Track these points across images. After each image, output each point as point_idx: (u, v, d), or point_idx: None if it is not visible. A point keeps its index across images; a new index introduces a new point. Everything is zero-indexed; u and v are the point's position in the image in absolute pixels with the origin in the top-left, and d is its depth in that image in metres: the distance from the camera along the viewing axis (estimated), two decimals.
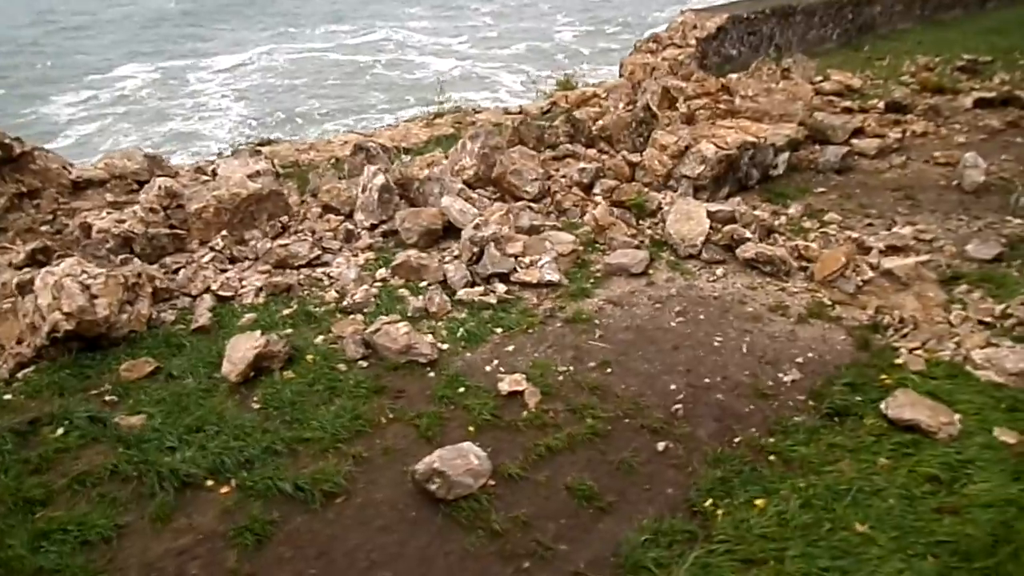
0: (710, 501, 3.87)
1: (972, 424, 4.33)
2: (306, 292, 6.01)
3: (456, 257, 6.28)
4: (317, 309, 5.76)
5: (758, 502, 3.82)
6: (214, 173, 7.52)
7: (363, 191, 7.11)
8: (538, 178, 7.72)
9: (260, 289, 5.90)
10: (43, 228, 6.71)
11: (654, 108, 9.21)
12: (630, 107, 9.32)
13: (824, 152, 8.75)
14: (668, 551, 3.54)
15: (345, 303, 5.81)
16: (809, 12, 15.29)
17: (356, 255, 6.58)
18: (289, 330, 5.45)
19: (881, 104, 11.07)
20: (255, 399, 4.66)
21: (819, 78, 12.46)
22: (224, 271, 6.20)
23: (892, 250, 6.19)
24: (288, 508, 3.80)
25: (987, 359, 4.77)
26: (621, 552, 3.55)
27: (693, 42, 12.99)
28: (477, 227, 6.20)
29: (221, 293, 5.85)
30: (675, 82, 10.81)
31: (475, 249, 6.11)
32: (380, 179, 7.07)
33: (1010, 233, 6.88)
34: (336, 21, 38.78)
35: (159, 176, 7.29)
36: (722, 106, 10.09)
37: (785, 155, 8.45)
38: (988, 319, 5.39)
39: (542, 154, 8.47)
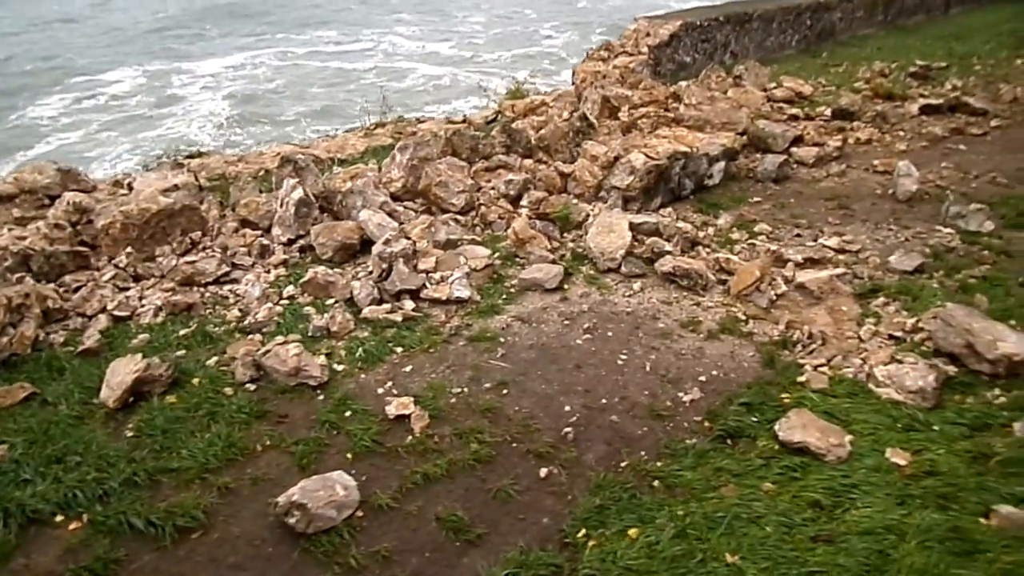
0: (583, 532, 3.72)
1: (865, 445, 4.21)
2: (208, 311, 5.83)
3: (369, 273, 6.11)
4: (216, 329, 5.58)
5: (631, 532, 3.68)
6: (130, 187, 7.33)
7: (281, 205, 6.94)
8: (465, 190, 7.58)
9: (160, 308, 5.72)
10: None
11: (591, 118, 9.11)
12: (567, 117, 9.19)
13: (762, 161, 8.66)
14: None
15: (247, 322, 5.64)
16: (766, 19, 15.26)
17: (268, 271, 6.41)
18: (182, 352, 5.27)
19: (828, 111, 11.01)
20: (129, 426, 4.48)
21: (772, 85, 12.40)
22: (125, 290, 6.01)
23: (810, 263, 6.08)
24: (137, 545, 3.62)
25: (889, 376, 4.65)
26: None
27: (645, 49, 12.90)
28: (387, 242, 6.04)
29: (117, 313, 5.66)
30: (621, 90, 10.74)
31: (384, 265, 5.95)
32: (298, 193, 6.90)
33: (936, 243, 6.79)
34: (322, 27, 38.31)
35: (71, 191, 7.09)
36: (670, 114, 10.02)
37: (721, 164, 8.35)
38: (899, 333, 5.28)
39: (474, 165, 8.33)
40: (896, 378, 4.61)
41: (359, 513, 3.83)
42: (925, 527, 3.57)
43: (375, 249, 6.03)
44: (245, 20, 40.29)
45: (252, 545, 3.65)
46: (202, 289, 6.10)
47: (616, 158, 7.66)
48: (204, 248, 6.47)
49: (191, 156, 8.98)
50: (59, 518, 3.76)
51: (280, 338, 5.25)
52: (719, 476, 4.06)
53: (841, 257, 6.60)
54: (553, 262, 6.22)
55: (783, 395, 4.70)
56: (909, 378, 4.57)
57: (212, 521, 3.78)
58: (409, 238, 6.65)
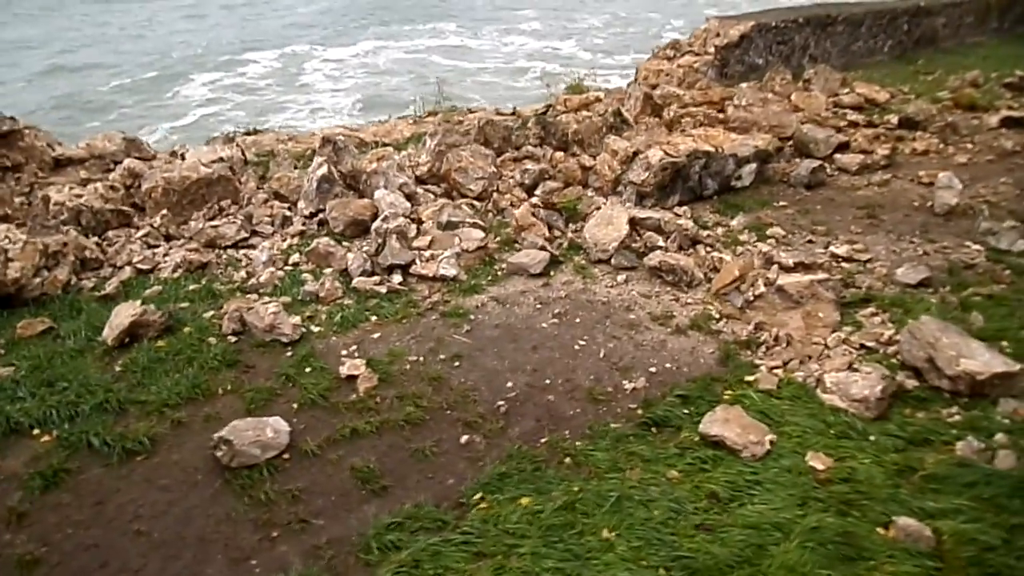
0: (480, 495, 3.92)
1: (787, 446, 4.17)
2: (220, 271, 6.38)
3: (367, 247, 6.48)
4: (222, 287, 6.12)
5: (523, 500, 3.84)
6: (183, 157, 8.05)
7: (308, 181, 7.44)
8: (485, 177, 7.84)
9: (178, 265, 6.31)
10: (17, 200, 7.38)
11: (625, 113, 9.14)
12: (603, 112, 9.26)
13: (798, 166, 8.42)
14: (409, 536, 3.63)
15: (250, 283, 6.14)
16: (853, 22, 14.59)
17: (285, 240, 6.91)
18: (185, 304, 5.82)
19: (895, 119, 10.49)
20: (119, 363, 5.04)
21: (845, 91, 11.92)
22: (154, 247, 6.66)
23: (801, 267, 5.93)
24: (89, 460, 4.13)
25: (837, 383, 4.55)
26: (367, 531, 3.66)
27: (712, 50, 12.70)
28: (386, 219, 6.40)
29: (140, 266, 6.30)
30: (673, 89, 10.70)
31: (379, 240, 6.31)
32: (322, 170, 7.38)
33: (956, 259, 6.45)
34: (447, 19, 38.75)
35: (132, 157, 7.88)
36: (721, 115, 9.91)
37: (751, 167, 8.19)
38: (872, 343, 5.12)
39: (503, 155, 8.57)
40: (843, 385, 4.51)
41: (286, 456, 4.19)
42: (813, 528, 3.54)
43: (374, 225, 6.40)
44: (386, 11, 40.88)
45: (184, 472, 4.08)
46: (221, 251, 6.67)
47: (635, 153, 7.70)
48: (230, 215, 7.05)
49: (248, 133, 9.72)
50: (36, 431, 4.34)
51: (268, 298, 5.71)
52: (629, 460, 4.14)
53: (846, 266, 6.40)
54: (543, 248, 6.38)
55: (726, 392, 4.70)
56: (856, 387, 4.46)
57: (157, 448, 4.24)
58: (415, 217, 7.01)
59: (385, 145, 9.58)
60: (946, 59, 15.71)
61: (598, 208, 7.27)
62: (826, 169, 8.48)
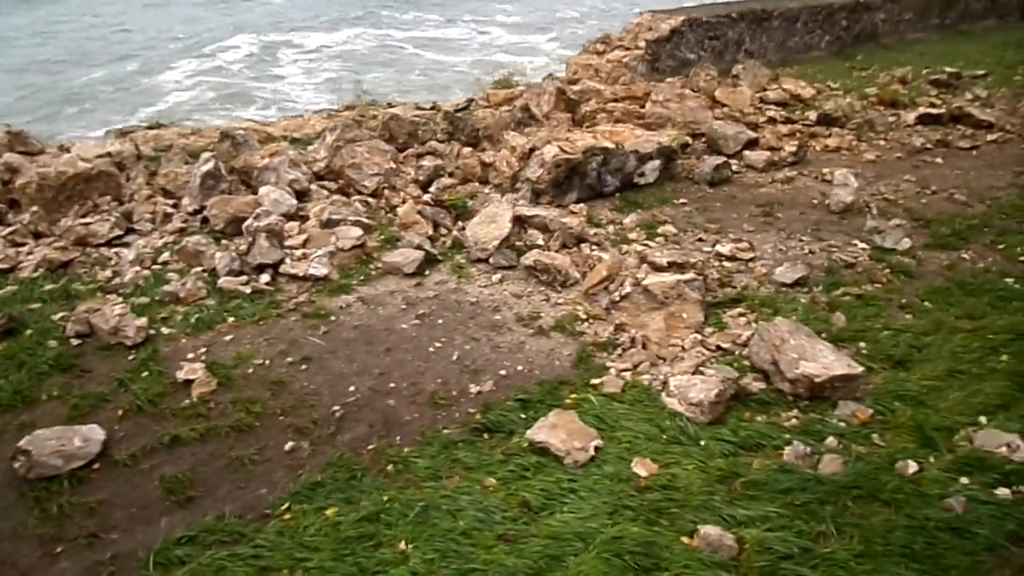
0: (287, 505, 3.79)
1: (614, 452, 4.08)
2: (84, 270, 6.17)
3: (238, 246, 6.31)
4: (82, 287, 5.92)
5: (329, 511, 3.71)
6: (65, 150, 7.80)
7: (192, 176, 7.23)
8: (380, 173, 7.69)
9: (39, 264, 6.09)
10: None
11: (534, 109, 9.02)
12: (510, 108, 9.13)
13: (702, 163, 8.36)
14: (200, 550, 3.49)
15: (113, 283, 5.94)
16: (789, 18, 14.59)
17: (163, 237, 6.71)
18: (37, 304, 5.61)
19: (814, 115, 10.48)
20: None
21: (774, 86, 11.90)
22: (20, 245, 6.42)
23: (674, 267, 5.84)
24: None
25: (678, 386, 4.47)
26: (156, 545, 3.52)
27: (643, 44, 12.61)
28: (257, 217, 6.22)
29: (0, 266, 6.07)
30: (593, 84, 10.61)
31: (249, 239, 6.13)
32: (207, 165, 7.18)
33: (839, 257, 6.42)
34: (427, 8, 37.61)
35: (17, 152, 7.61)
36: (643, 111, 9.83)
37: (655, 163, 8.10)
38: (728, 345, 5.05)
39: (409, 150, 8.42)
40: (683, 389, 4.43)
41: (95, 466, 4.03)
42: (614, 538, 3.44)
43: (245, 223, 6.23)
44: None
45: None
46: (92, 250, 6.45)
47: (532, 150, 7.58)
48: (104, 212, 6.82)
49: (150, 127, 9.46)
50: None
51: (124, 299, 5.52)
52: (452, 467, 4.03)
53: (728, 264, 6.34)
54: (419, 247, 6.24)
55: (570, 395, 4.60)
56: (694, 390, 4.38)
57: None
58: (303, 215, 6.85)
59: (295, 140, 9.39)
60: (884, 55, 15.78)
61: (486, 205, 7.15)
62: (731, 166, 8.42)
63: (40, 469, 3.86)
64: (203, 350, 5.09)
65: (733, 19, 13.64)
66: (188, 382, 4.68)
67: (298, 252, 6.13)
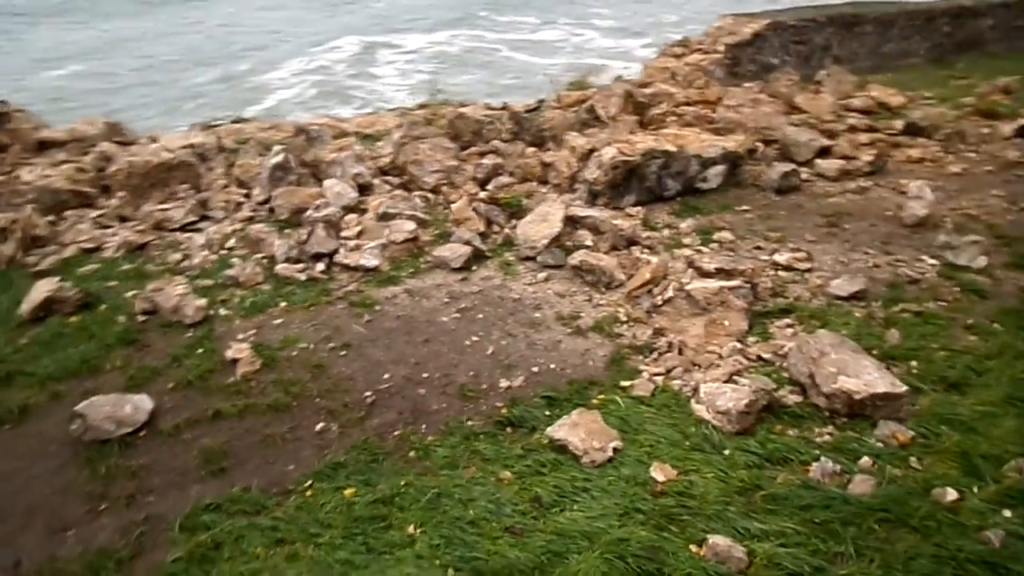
0: (310, 482, 3.96)
1: (634, 455, 4.05)
2: (158, 253, 6.59)
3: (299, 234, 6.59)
4: (155, 268, 6.32)
5: (347, 491, 3.85)
6: (154, 141, 8.34)
7: (263, 168, 7.60)
8: (441, 170, 7.86)
9: (120, 246, 6.55)
10: (0, 179, 7.79)
11: (599, 110, 8.98)
12: (575, 109, 9.12)
13: (770, 170, 8.11)
14: (225, 517, 3.69)
15: (183, 265, 6.33)
16: (884, 23, 13.92)
17: (232, 225, 7.08)
18: (115, 283, 6.04)
19: (900, 125, 9.98)
20: (28, 335, 5.27)
21: (861, 93, 11.41)
22: (107, 227, 6.92)
23: (722, 273, 5.70)
24: None
25: (708, 394, 4.38)
26: (185, 510, 3.74)
27: (722, 48, 12.34)
28: (316, 208, 6.48)
29: (85, 246, 6.58)
30: (665, 87, 10.48)
31: (308, 229, 6.40)
32: (278, 158, 7.53)
33: (904, 272, 6.11)
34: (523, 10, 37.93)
35: (112, 141, 8.22)
36: (713, 115, 9.66)
37: (719, 168, 7.93)
38: (770, 355, 4.91)
39: (472, 148, 8.56)
40: (712, 397, 4.33)
41: (142, 433, 4.31)
42: (620, 540, 3.42)
43: (304, 214, 6.50)
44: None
45: (41, 442, 4.25)
46: (167, 234, 6.88)
47: (591, 150, 7.57)
48: (181, 199, 7.26)
49: (236, 121, 9.98)
50: None
51: (191, 280, 5.87)
52: (471, 458, 4.10)
53: (783, 274, 6.14)
54: (468, 243, 6.34)
55: (598, 396, 4.58)
56: (723, 399, 4.28)
57: (26, 418, 4.43)
58: (362, 207, 7.09)
59: (367, 136, 9.70)
60: (989, 64, 14.81)
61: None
62: (800, 174, 8.13)
63: (94, 432, 4.17)
64: (253, 332, 5.35)
65: (820, 23, 13.14)
66: (235, 361, 4.93)
67: (352, 243, 6.35)
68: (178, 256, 6.49)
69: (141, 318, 5.50)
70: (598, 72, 13.15)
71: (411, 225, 6.60)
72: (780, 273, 6.16)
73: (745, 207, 7.64)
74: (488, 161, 7.87)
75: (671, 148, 7.65)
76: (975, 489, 3.76)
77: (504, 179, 7.68)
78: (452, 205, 6.99)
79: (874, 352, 4.93)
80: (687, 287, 5.36)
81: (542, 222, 6.57)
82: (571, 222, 6.78)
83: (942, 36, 14.95)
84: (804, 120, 9.87)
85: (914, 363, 4.83)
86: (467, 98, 16.31)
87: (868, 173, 8.43)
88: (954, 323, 5.35)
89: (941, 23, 14.80)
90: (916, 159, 8.95)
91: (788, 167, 8.04)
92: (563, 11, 36.92)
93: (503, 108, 10.77)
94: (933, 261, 6.33)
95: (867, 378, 4.31)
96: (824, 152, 8.63)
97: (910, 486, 3.77)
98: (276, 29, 34.95)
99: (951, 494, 3.71)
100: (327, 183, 7.27)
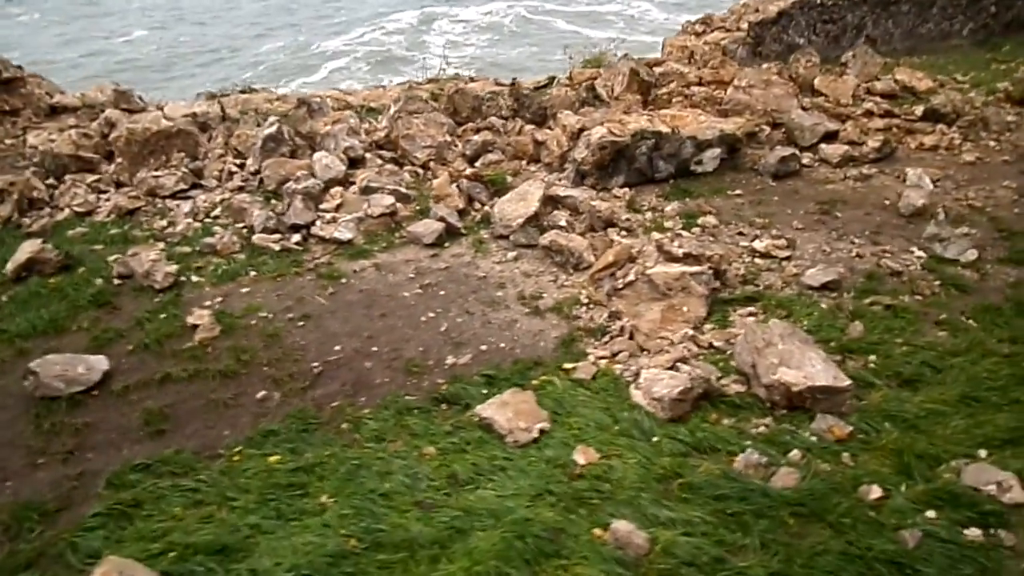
0: (240, 448, 4.06)
1: (561, 437, 4.04)
2: (146, 219, 6.77)
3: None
4: (141, 233, 6.50)
5: (272, 458, 3.94)
6: (160, 109, 8.53)
7: (256, 139, 7.72)
8: (433, 145, 7.86)
9: (110, 211, 6.75)
10: (9, 142, 8.09)
11: (600, 89, 8.85)
12: (575, 87, 8.99)
13: (766, 154, 7.90)
14: (151, 477, 3.82)
15: (167, 231, 6.50)
16: (922, 2, 13.30)
17: (223, 194, 7.22)
18: (100, 246, 6.24)
19: (920, 110, 9.59)
20: (8, 294, 5.50)
21: (888, 76, 10.99)
22: (103, 192, 7.14)
23: (689, 258, 5.59)
24: None
25: (647, 380, 4.33)
26: (114, 468, 3.89)
27: (744, 26, 11.98)
28: (297, 180, 6.57)
29: (78, 209, 6.79)
30: (676, 67, 10.26)
31: (288, 200, 6.49)
32: (270, 129, 7.62)
33: (887, 264, 5.91)
34: None
35: (120, 108, 8.44)
36: (723, 96, 9.44)
37: (714, 151, 7.75)
38: (721, 343, 4.83)
39: (468, 124, 8.54)
40: (650, 383, 4.29)
41: (94, 392, 4.48)
42: (525, 520, 3.44)
43: (284, 185, 6.59)
44: None
45: (1, 396, 4.44)
46: (160, 201, 7.06)
47: (581, 130, 7.47)
48: (173, 166, 7.42)
49: (244, 91, 10.12)
50: None
51: (167, 247, 6.03)
52: (400, 432, 4.15)
53: (759, 261, 6.01)
54: (442, 219, 6.35)
55: (539, 377, 4.58)
56: (659, 385, 4.23)
57: None
58: (351, 180, 7.15)
59: (371, 110, 9.73)
60: None
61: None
62: (800, 159, 7.89)
63: (44, 389, 4.35)
64: (220, 299, 5.48)
65: (854, 2, 12.63)
66: (194, 327, 5.06)
67: (329, 216, 6.42)
68: (164, 223, 6.65)
69: (117, 282, 5.68)
70: (618, 48, 12.87)
71: (390, 200, 6.64)
72: (756, 260, 6.03)
73: (738, 191, 7.47)
74: (478, 138, 7.84)
75: (664, 129, 7.50)
76: (903, 488, 3.66)
77: (493, 156, 7.66)
78: (433, 181, 6.99)
79: (832, 344, 4.83)
80: (648, 271, 5.29)
81: (520, 201, 6.54)
82: (552, 202, 6.73)
83: (988, 16, 14.22)
84: (817, 104, 9.57)
85: (872, 357, 4.70)
86: (515, 70, 16.18)
87: (874, 160, 8.15)
88: (925, 318, 5.18)
89: (988, 3, 14.07)
90: (930, 146, 8.60)
91: (787, 151, 7.82)
92: None
93: (512, 84, 10.69)
94: (921, 253, 6.12)
95: (809, 370, 4.20)
96: (830, 137, 8.35)
97: (835, 482, 3.69)
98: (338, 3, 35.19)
99: (875, 491, 3.63)
100: (316, 155, 7.35)
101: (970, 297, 5.46)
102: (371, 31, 28.79)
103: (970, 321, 5.14)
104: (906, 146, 8.66)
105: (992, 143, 8.77)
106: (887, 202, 7.19)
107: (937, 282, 5.66)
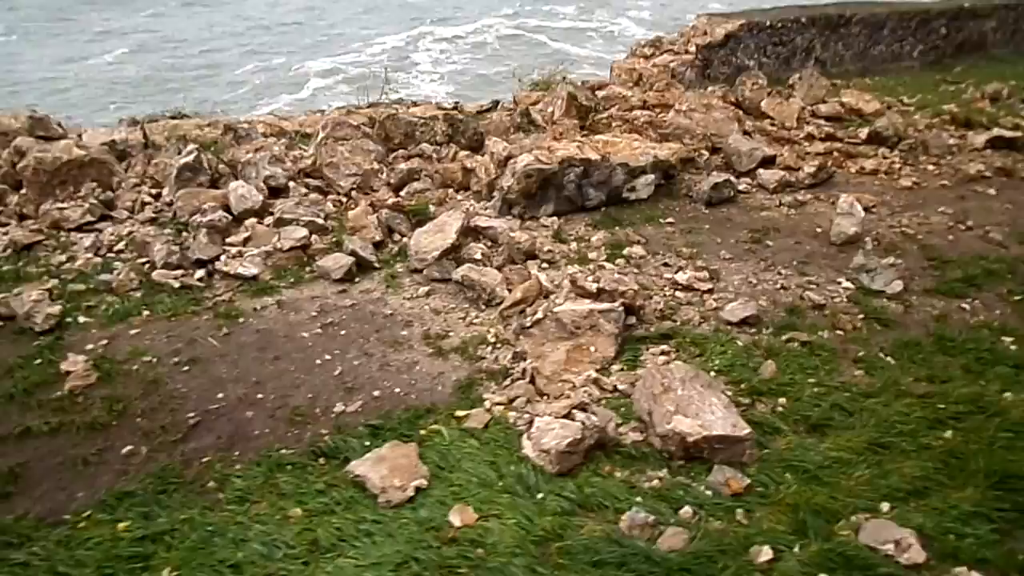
0: (89, 513, 3.73)
1: (439, 496, 3.76)
2: (45, 254, 6.43)
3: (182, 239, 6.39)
4: (36, 269, 6.16)
5: (121, 525, 3.62)
6: (80, 136, 8.20)
7: (172, 168, 7.41)
8: (357, 173, 7.61)
9: (6, 245, 6.41)
10: None
11: (535, 114, 8.66)
12: (510, 112, 8.80)
13: (701, 181, 7.72)
14: None
15: (65, 267, 6.16)
16: (873, 24, 13.33)
17: (133, 226, 6.90)
18: None
19: (864, 133, 9.50)
20: None
21: (834, 99, 10.92)
22: (5, 225, 6.79)
23: (603, 294, 5.35)
24: None
25: (538, 429, 4.06)
26: None
27: (693, 49, 11.90)
28: (203, 212, 6.27)
29: None
30: (619, 90, 10.13)
31: (193, 234, 6.19)
32: (187, 158, 7.33)
33: (810, 297, 5.71)
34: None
35: (36, 136, 8.10)
36: (664, 117, 9.29)
37: (648, 178, 7.56)
38: (626, 386, 4.57)
39: (399, 152, 8.30)
40: (540, 432, 4.02)
41: None
42: None
43: (192, 217, 6.29)
44: None
45: None
46: (64, 235, 6.72)
47: (508, 157, 7.25)
48: (80, 198, 7.09)
49: (173, 116, 9.83)
50: None
51: (59, 284, 5.70)
52: (268, 491, 3.85)
53: (680, 295, 5.79)
54: (352, 253, 6.07)
55: (429, 426, 4.30)
56: (549, 436, 3.97)
57: None
58: (268, 211, 6.87)
59: (306, 135, 9.46)
60: (989, 68, 14.13)
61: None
62: (735, 185, 7.72)
63: None
64: (105, 342, 5.15)
65: (803, 23, 12.62)
66: (68, 372, 4.73)
67: (235, 250, 6.12)
68: (63, 258, 6.32)
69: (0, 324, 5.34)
70: (567, 70, 12.74)
71: (303, 232, 6.36)
72: (677, 293, 5.81)
73: (670, 220, 7.27)
74: (404, 166, 7.60)
75: (593, 156, 7.30)
76: (796, 549, 3.41)
77: (419, 185, 7.41)
78: (349, 212, 6.72)
79: (742, 386, 4.60)
80: (555, 309, 5.04)
81: (437, 232, 6.29)
82: (472, 233, 6.49)
83: (939, 38, 14.34)
84: (761, 127, 9.47)
85: (782, 400, 4.47)
86: (496, 90, 15.82)
87: (810, 186, 8.01)
88: (844, 355, 4.97)
89: (938, 25, 14.18)
90: (869, 171, 8.51)
91: (720, 178, 7.65)
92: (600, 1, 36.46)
93: (455, 108, 10.49)
94: (849, 284, 5.93)
95: (707, 418, 3.96)
96: (767, 162, 8.21)
97: (725, 543, 3.43)
98: (325, 21, 35.08)
99: (766, 553, 3.37)
100: (232, 185, 7.05)
101: (892, 332, 5.27)
102: (356, 52, 28.73)
103: (888, 358, 4.94)
104: (846, 170, 8.56)
105: (931, 167, 8.70)
106: (819, 230, 7.03)
107: (860, 316, 5.47)
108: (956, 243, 6.76)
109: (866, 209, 7.26)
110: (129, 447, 4.19)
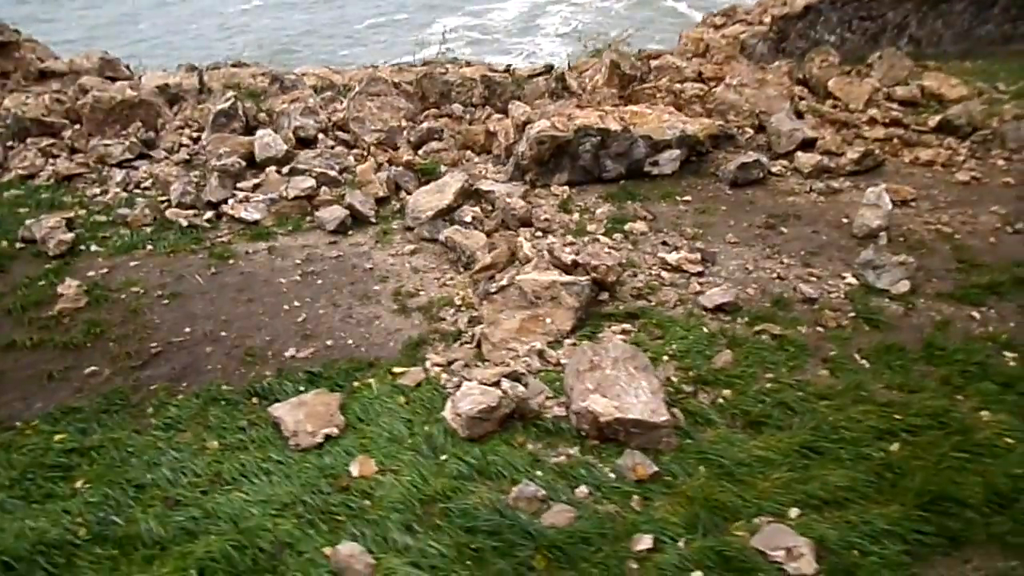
0: (36, 422, 4.09)
1: (347, 446, 3.89)
2: (83, 185, 6.93)
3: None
4: (71, 199, 6.66)
5: (58, 436, 3.94)
6: (139, 78, 8.73)
7: (209, 114, 7.78)
8: (382, 129, 7.73)
9: (50, 175, 6.96)
10: None
11: (570, 81, 8.47)
12: (546, 78, 8.63)
13: (729, 160, 7.36)
14: None
15: (96, 199, 6.64)
16: (981, 2, 12.12)
17: (169, 166, 7.32)
18: (24, 209, 6.43)
19: (933, 122, 8.74)
20: None
21: (914, 82, 10.10)
22: (53, 156, 7.36)
23: (578, 267, 5.23)
24: None
25: (461, 394, 4.09)
26: None
27: (768, 20, 11.24)
28: (219, 157, 6.57)
29: (22, 172, 7.02)
30: (673, 60, 9.76)
31: (209, 176, 6.50)
32: (223, 104, 7.67)
33: (804, 290, 5.39)
34: None
35: (105, 76, 8.69)
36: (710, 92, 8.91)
37: (673, 153, 7.28)
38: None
39: (431, 111, 8.36)
40: (461, 397, 4.04)
41: None
42: (259, 530, 3.30)
43: (211, 162, 6.61)
44: None
45: None
46: (106, 168, 7.22)
47: (527, 122, 7.16)
48: (124, 135, 7.56)
49: (235, 64, 10.23)
50: None
51: (81, 211, 6.16)
52: (197, 422, 4.08)
53: (665, 275, 5.61)
54: (349, 206, 6.21)
55: (364, 379, 4.41)
56: (466, 401, 3.98)
57: None
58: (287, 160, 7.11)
59: (351, 90, 9.66)
60: None
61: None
62: (764, 166, 7.31)
63: None
64: (105, 271, 5.54)
65: None
66: (62, 295, 5.13)
67: (242, 195, 6.39)
68: (97, 191, 6.80)
69: (19, 245, 5.83)
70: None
71: (309, 183, 6.55)
72: (664, 274, 5.62)
73: (687, 198, 7.00)
74: (426, 124, 7.64)
75: (613, 127, 7.10)
76: (681, 543, 3.31)
77: (437, 144, 7.45)
78: (359, 167, 6.85)
79: (690, 373, 4.45)
80: (518, 278, 5.00)
81: (437, 193, 6.33)
82: (475, 195, 6.50)
83: None
84: (815, 108, 8.89)
85: (727, 392, 4.29)
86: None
87: (851, 173, 7.48)
88: (814, 353, 4.69)
89: None
90: (923, 161, 7.83)
91: (750, 158, 7.27)
92: None
93: (506, 71, 10.40)
94: (852, 280, 5.56)
95: (627, 401, 3.87)
96: (807, 145, 7.72)
97: (608, 526, 3.38)
98: None
99: (646, 542, 3.29)
100: (259, 133, 7.33)
101: (878, 334, 4.91)
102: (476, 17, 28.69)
103: (863, 361, 4.62)
104: (899, 159, 7.92)
105: (1001, 162, 7.91)
106: (844, 220, 6.58)
107: (850, 314, 5.12)
108: (996, 246, 6.17)
109: (903, 202, 6.75)
110: (93, 368, 4.53)
